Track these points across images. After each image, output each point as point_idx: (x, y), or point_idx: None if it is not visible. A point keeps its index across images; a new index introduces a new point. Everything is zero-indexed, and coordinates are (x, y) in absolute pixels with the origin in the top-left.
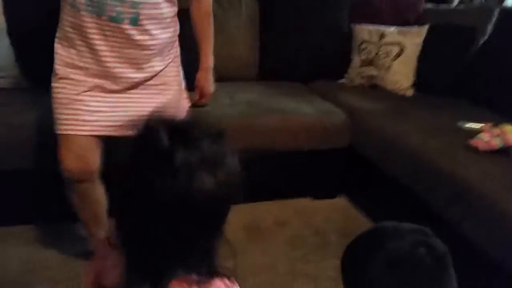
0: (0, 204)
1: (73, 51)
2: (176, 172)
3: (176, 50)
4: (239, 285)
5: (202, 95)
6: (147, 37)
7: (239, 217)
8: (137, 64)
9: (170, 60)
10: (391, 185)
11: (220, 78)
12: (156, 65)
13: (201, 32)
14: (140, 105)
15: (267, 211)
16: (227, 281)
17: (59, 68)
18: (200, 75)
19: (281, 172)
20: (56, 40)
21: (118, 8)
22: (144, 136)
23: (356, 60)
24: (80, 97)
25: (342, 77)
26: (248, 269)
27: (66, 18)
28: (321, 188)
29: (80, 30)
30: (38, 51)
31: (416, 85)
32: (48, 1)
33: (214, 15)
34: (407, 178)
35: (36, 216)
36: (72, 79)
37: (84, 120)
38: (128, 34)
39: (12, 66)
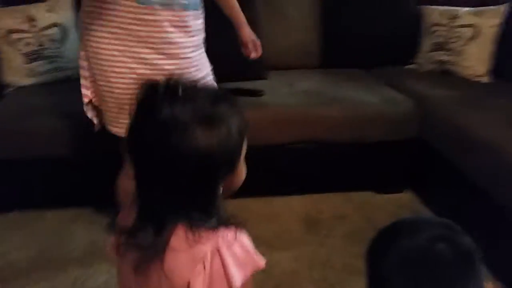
0: (72, 186)
1: None
2: (165, 126)
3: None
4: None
5: (254, 46)
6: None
7: (298, 208)
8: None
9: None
10: (463, 182)
11: (280, 66)
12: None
13: (228, 4)
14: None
15: (327, 203)
16: (231, 230)
17: None
18: (243, 31)
19: (343, 164)
20: None
21: None
22: (145, 94)
23: (426, 44)
24: None
25: (410, 63)
26: (303, 261)
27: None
28: (386, 182)
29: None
30: None
31: (492, 70)
32: None
33: (275, 2)
34: (482, 175)
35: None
36: None
37: None
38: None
39: None
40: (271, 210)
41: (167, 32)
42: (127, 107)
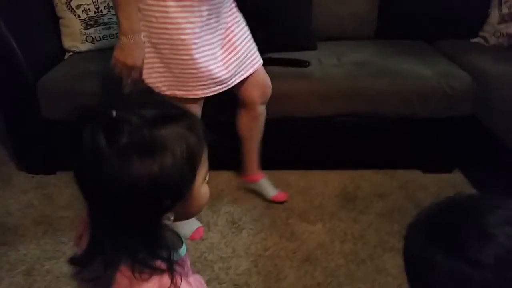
0: None
1: None
2: (95, 155)
3: None
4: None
5: None
6: None
7: (337, 183)
8: None
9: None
10: None
11: (333, 37)
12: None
13: None
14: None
15: (369, 180)
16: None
17: None
18: None
19: (389, 140)
20: None
21: None
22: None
23: (494, 15)
24: None
25: (476, 36)
26: (335, 235)
27: None
28: (434, 161)
29: None
30: None
31: None
32: None
33: None
34: None
35: None
36: None
37: None
38: None
39: None
40: (307, 183)
41: None
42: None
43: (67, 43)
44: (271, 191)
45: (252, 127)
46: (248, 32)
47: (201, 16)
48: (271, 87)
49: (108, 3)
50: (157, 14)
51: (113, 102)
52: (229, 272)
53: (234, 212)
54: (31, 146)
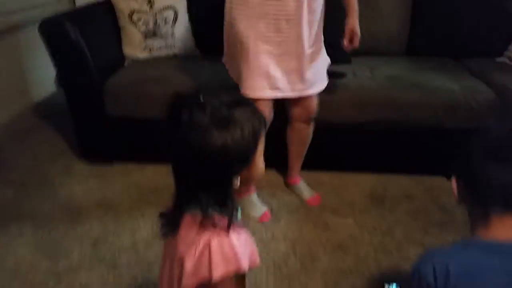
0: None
1: None
2: (186, 127)
3: None
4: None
5: (352, 38)
6: None
7: (367, 184)
8: None
9: None
10: None
11: (366, 52)
12: None
13: None
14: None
15: (397, 183)
16: (241, 230)
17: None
18: (349, 20)
19: (417, 148)
20: None
21: None
22: (173, 101)
23: None
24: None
25: (501, 55)
26: (365, 228)
27: None
28: None
29: None
30: (211, 28)
31: None
32: None
33: None
34: None
35: None
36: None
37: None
38: None
39: (189, 38)
40: (340, 183)
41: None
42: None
43: (128, 51)
44: (307, 195)
45: (293, 140)
46: (321, 54)
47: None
48: (316, 109)
49: (165, 18)
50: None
51: (199, 90)
52: (270, 253)
53: (273, 204)
54: (93, 138)
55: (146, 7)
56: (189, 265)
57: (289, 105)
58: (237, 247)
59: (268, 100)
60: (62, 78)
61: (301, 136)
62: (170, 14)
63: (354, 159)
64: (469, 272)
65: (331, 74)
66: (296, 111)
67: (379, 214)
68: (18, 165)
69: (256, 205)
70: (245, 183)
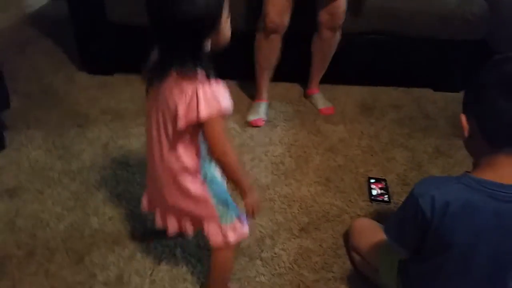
0: None
1: None
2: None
3: None
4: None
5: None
6: None
7: (357, 96)
8: None
9: None
10: None
11: None
12: None
13: None
14: None
15: (386, 94)
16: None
17: None
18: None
19: (408, 59)
20: None
21: None
22: None
23: None
24: None
25: None
26: (354, 133)
27: None
28: (446, 81)
29: None
30: None
31: None
32: None
33: None
34: None
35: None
36: None
37: None
38: None
39: None
40: (332, 94)
41: None
42: None
43: None
44: (322, 105)
45: (318, 48)
46: None
47: None
48: (342, 17)
49: None
50: None
51: None
52: (268, 155)
53: (269, 113)
54: (94, 47)
55: None
56: (181, 109)
57: (318, 10)
58: (217, 92)
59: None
60: None
61: (326, 45)
62: None
63: (347, 71)
64: (467, 207)
65: None
66: (324, 17)
67: (368, 121)
68: (20, 76)
69: (256, 111)
70: (216, 46)
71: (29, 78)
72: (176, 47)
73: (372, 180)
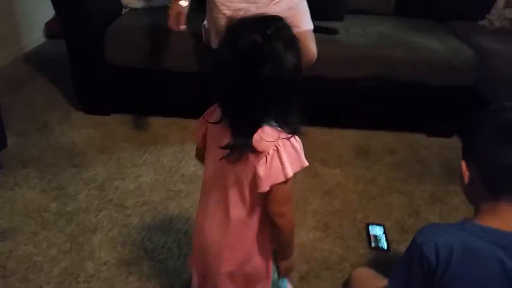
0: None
1: None
2: (268, 59)
3: None
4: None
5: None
6: None
7: (352, 139)
8: None
9: None
10: None
11: (356, 11)
12: None
13: None
14: None
15: (380, 139)
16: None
17: None
18: None
19: (401, 104)
20: None
21: None
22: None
23: (500, 0)
24: None
25: (483, 18)
26: (350, 177)
27: None
28: (437, 126)
29: None
30: None
31: None
32: None
33: None
34: None
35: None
36: None
37: None
38: None
39: None
40: (328, 138)
41: None
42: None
43: (125, 0)
44: None
45: None
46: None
47: None
48: (314, 57)
49: None
50: None
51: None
52: None
53: None
54: (91, 88)
55: None
56: (262, 169)
57: None
58: (298, 147)
59: None
60: (63, 26)
61: None
62: None
63: (342, 116)
64: (471, 254)
65: (324, 30)
66: None
67: (364, 165)
68: (15, 114)
69: None
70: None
71: (25, 117)
72: (266, 105)
73: (371, 227)
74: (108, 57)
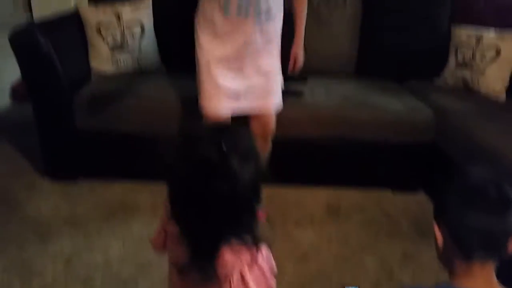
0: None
1: None
2: (224, 177)
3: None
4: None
5: (296, 64)
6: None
7: (323, 197)
8: None
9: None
10: None
11: (320, 71)
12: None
13: (298, 11)
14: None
15: (349, 196)
16: (263, 248)
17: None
18: (295, 45)
19: (366, 162)
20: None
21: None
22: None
23: (452, 61)
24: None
25: (438, 78)
26: (323, 238)
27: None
28: (402, 182)
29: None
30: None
31: (509, 90)
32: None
33: (320, 13)
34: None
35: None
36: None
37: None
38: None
39: (155, 54)
40: (298, 197)
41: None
42: None
43: (95, 64)
44: None
45: None
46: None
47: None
48: (273, 128)
49: (132, 33)
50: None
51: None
52: None
53: None
54: (59, 154)
55: (114, 20)
56: None
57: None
58: (264, 268)
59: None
60: (30, 89)
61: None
62: (137, 29)
63: (310, 174)
64: None
65: (289, 92)
66: (253, 125)
67: (335, 224)
68: None
69: None
70: None
71: None
72: (225, 224)
73: None
74: (77, 122)
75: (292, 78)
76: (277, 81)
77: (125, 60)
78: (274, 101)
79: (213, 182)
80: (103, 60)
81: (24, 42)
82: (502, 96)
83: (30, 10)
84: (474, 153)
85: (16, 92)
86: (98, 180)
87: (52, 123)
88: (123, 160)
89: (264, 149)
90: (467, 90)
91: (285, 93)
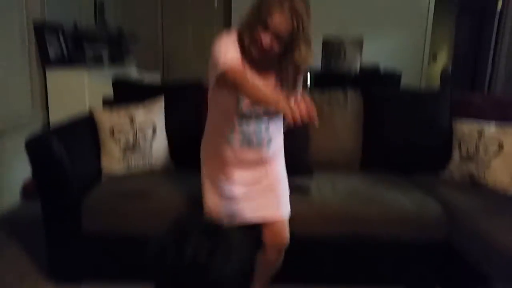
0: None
1: None
2: (211, 273)
3: None
4: None
5: (310, 108)
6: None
7: None
8: None
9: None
10: (485, 285)
11: (325, 166)
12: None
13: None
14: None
15: None
16: None
17: None
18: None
19: (378, 259)
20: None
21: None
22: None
23: (456, 155)
24: None
25: (443, 171)
26: None
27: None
28: (416, 280)
29: None
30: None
31: None
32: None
33: (322, 111)
34: (502, 279)
35: None
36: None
37: None
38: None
39: (165, 153)
40: None
41: None
42: None
43: (106, 165)
44: None
45: (261, 265)
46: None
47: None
48: (287, 238)
49: (144, 134)
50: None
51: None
52: None
53: None
54: (65, 256)
55: (127, 122)
56: None
57: (262, 229)
58: None
59: None
60: (39, 191)
61: (268, 265)
62: (149, 130)
63: (320, 272)
64: None
65: (296, 188)
66: (266, 236)
67: None
68: None
69: None
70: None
71: None
72: None
73: None
74: (84, 224)
75: (298, 173)
76: (286, 189)
77: (136, 160)
78: (285, 207)
79: (201, 277)
80: (114, 161)
81: (39, 149)
82: (511, 190)
83: (47, 109)
84: (488, 254)
85: (27, 190)
86: (103, 283)
87: (59, 224)
88: (129, 262)
89: (277, 260)
90: (474, 184)
91: (292, 190)
